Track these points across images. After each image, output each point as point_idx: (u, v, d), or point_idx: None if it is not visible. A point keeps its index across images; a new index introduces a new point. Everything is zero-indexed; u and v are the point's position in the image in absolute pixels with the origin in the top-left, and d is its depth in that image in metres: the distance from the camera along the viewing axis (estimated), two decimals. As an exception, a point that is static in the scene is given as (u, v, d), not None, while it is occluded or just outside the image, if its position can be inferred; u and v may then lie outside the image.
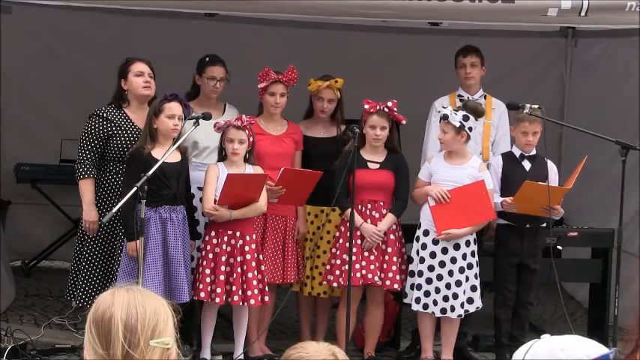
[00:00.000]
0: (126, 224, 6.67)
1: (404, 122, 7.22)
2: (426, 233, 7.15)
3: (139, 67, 7.04)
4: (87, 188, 6.96)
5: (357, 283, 7.06)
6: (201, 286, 6.90)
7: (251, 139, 7.01)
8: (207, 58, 7.45)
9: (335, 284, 7.19)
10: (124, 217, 6.63)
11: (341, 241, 7.18)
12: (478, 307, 7.21)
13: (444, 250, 7.10)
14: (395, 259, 7.17)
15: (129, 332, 2.51)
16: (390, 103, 7.13)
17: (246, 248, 6.97)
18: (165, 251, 6.77)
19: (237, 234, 6.97)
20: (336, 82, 7.41)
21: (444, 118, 7.05)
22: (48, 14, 8.57)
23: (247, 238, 6.98)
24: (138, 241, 6.39)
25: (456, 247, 7.09)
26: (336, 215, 7.31)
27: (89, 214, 6.93)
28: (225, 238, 6.96)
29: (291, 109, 7.51)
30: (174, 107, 6.74)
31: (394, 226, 7.21)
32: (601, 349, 2.32)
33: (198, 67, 7.48)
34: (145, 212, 6.48)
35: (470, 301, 7.13)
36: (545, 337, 2.42)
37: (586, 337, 2.38)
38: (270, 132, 7.38)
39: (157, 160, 6.52)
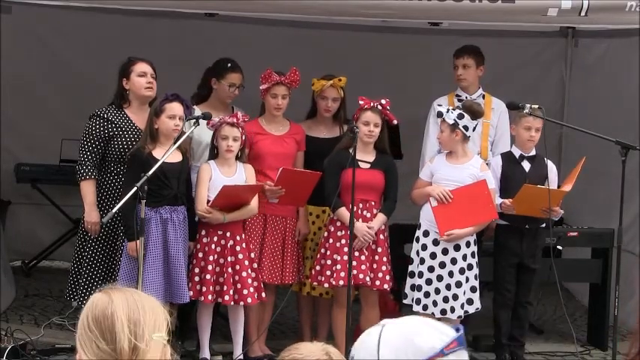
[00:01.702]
0: (126, 224, 6.67)
1: (395, 122, 7.21)
2: (426, 234, 7.14)
3: (142, 67, 7.03)
4: (88, 189, 6.95)
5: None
6: (190, 285, 6.92)
7: (243, 137, 7.01)
8: (229, 64, 7.41)
9: (326, 285, 7.18)
10: (125, 218, 6.64)
11: (331, 240, 7.15)
12: (477, 308, 7.20)
13: (445, 251, 7.09)
14: (385, 259, 7.15)
15: (133, 325, 2.53)
16: (383, 101, 7.12)
17: (237, 248, 6.97)
18: (166, 251, 6.77)
19: (228, 234, 6.97)
20: (340, 80, 7.40)
21: (439, 115, 7.06)
22: (48, 14, 8.58)
23: (238, 238, 6.99)
24: (138, 241, 6.39)
25: (457, 247, 7.08)
26: (338, 215, 7.30)
27: (91, 215, 6.92)
28: (215, 238, 6.97)
29: (293, 109, 7.49)
30: (175, 107, 6.74)
31: (383, 226, 7.19)
32: (451, 331, 2.31)
33: (216, 71, 7.44)
34: (146, 212, 6.49)
35: (469, 302, 7.12)
36: (387, 322, 2.36)
37: (434, 321, 2.34)
38: (272, 132, 7.37)
39: (157, 160, 6.52)
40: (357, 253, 7.06)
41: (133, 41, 8.75)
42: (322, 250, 7.19)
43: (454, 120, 7.00)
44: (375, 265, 7.14)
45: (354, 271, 7.01)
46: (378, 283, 7.13)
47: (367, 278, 7.08)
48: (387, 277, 7.14)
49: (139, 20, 8.74)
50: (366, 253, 7.11)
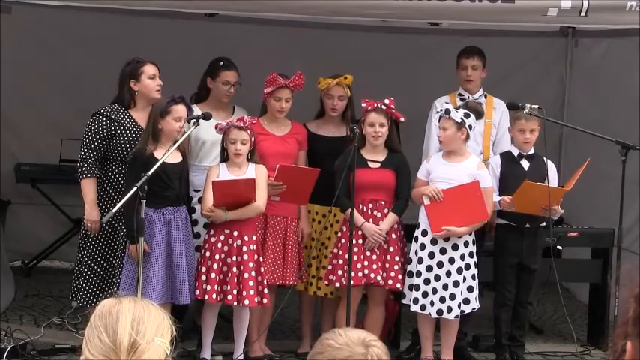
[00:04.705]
0: (128, 226, 6.66)
1: (402, 120, 7.22)
2: (424, 233, 7.14)
3: (152, 69, 7.04)
4: (89, 188, 6.95)
5: (360, 282, 7.06)
6: (197, 284, 6.92)
7: (252, 139, 7.02)
8: (222, 62, 7.42)
9: (337, 284, 7.18)
10: (127, 219, 6.62)
11: (343, 240, 7.17)
12: (474, 308, 7.20)
13: (443, 251, 7.09)
14: (397, 258, 7.16)
15: (137, 322, 2.55)
16: (387, 100, 7.12)
17: (244, 248, 6.97)
18: (170, 253, 6.77)
19: (235, 234, 6.97)
20: (346, 78, 7.40)
21: (447, 112, 7.04)
22: (48, 14, 8.57)
23: (246, 238, 6.98)
24: (138, 243, 6.40)
25: (455, 247, 7.09)
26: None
27: (91, 213, 6.92)
28: (222, 237, 6.97)
29: (295, 109, 7.49)
30: (181, 110, 6.76)
31: (395, 225, 7.20)
32: None
33: (211, 70, 7.45)
34: (149, 214, 6.53)
35: (466, 301, 7.12)
36: None
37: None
38: (273, 132, 7.37)
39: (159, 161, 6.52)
40: (368, 253, 7.09)
41: (133, 41, 8.74)
42: (335, 250, 7.21)
43: (461, 119, 7.00)
44: (387, 265, 7.15)
45: (366, 271, 7.05)
46: (390, 282, 7.14)
47: (378, 277, 7.09)
48: (400, 277, 7.15)
49: (139, 20, 8.73)
50: (378, 253, 7.12)
